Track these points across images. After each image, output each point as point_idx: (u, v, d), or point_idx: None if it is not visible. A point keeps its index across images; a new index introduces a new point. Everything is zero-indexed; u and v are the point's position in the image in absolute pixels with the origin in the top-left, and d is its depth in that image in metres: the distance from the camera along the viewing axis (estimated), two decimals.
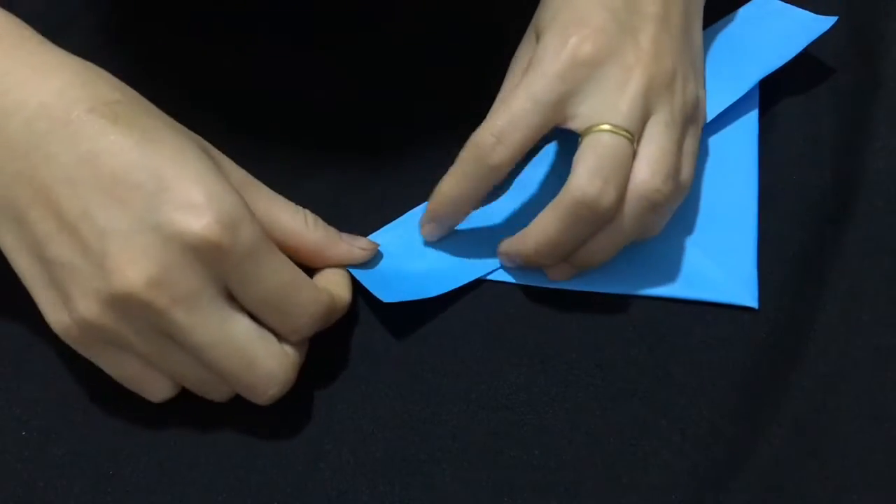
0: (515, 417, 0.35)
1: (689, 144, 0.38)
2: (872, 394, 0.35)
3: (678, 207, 0.38)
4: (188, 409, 0.35)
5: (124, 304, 0.31)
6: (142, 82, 0.35)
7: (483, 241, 0.39)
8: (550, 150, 0.42)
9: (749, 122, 0.43)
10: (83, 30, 0.46)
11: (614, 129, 0.35)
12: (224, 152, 0.35)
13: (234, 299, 0.32)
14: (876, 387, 0.35)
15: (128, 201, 0.31)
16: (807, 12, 0.44)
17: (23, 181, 0.31)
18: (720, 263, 0.38)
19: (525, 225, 0.37)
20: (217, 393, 0.34)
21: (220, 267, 0.31)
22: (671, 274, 0.38)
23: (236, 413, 0.35)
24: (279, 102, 0.44)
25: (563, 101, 0.35)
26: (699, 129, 0.39)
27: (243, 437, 0.35)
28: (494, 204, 0.41)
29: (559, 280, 0.38)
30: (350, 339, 0.37)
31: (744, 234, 0.39)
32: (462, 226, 0.39)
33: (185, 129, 0.34)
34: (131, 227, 0.31)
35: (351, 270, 0.37)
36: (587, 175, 0.34)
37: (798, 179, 0.42)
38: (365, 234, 0.39)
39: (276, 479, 0.34)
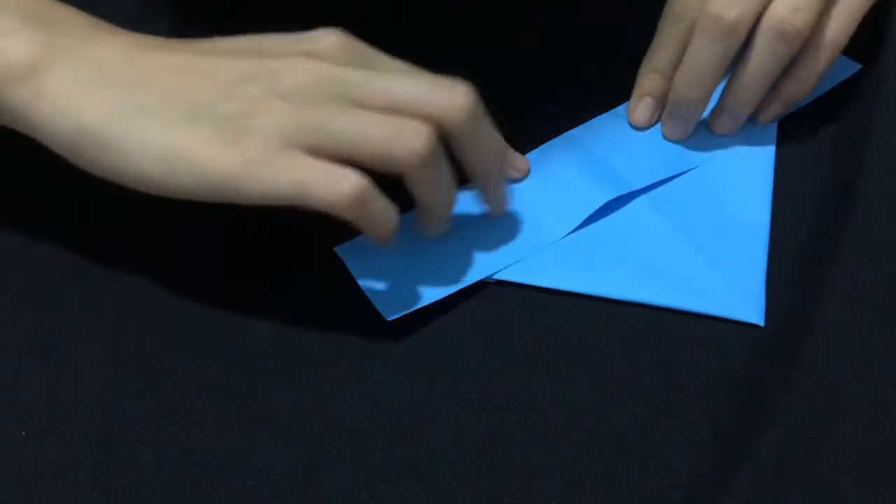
0: (515, 417, 0.35)
1: (847, 3, 0.39)
2: (872, 394, 0.35)
3: (696, 213, 0.39)
4: (188, 408, 0.35)
5: (300, 89, 0.33)
6: None
7: (481, 244, 0.39)
8: (552, 159, 0.42)
9: (767, 138, 0.42)
10: None
11: None
12: None
13: None
14: (876, 387, 0.35)
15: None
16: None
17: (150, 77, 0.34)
18: (730, 278, 0.38)
19: (522, 227, 0.37)
20: (411, 137, 0.33)
21: (346, 58, 0.34)
22: (680, 285, 0.38)
23: (236, 413, 0.35)
24: None
25: None
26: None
27: (243, 438, 0.35)
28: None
29: (769, 120, 0.42)
30: (350, 339, 0.37)
31: (755, 250, 0.39)
32: (458, 229, 0.39)
33: None
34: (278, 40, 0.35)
35: (359, 282, 0.38)
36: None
37: (798, 179, 0.42)
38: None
39: (276, 479, 0.34)
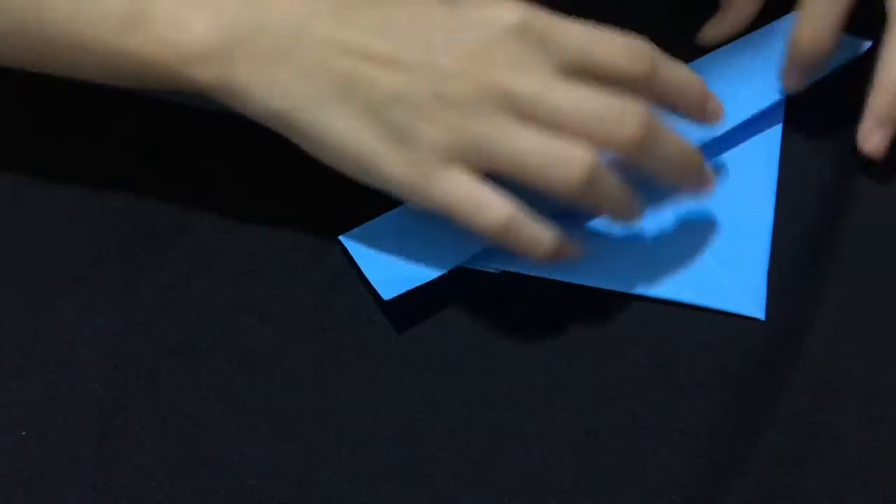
0: (515, 417, 0.35)
1: None
2: (872, 394, 0.35)
3: (700, 206, 0.39)
4: (188, 408, 0.35)
5: (463, 96, 0.33)
6: None
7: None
8: None
9: (773, 134, 0.42)
10: None
11: None
12: None
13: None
14: (875, 387, 0.35)
15: (431, 20, 0.34)
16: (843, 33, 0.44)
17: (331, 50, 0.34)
18: (731, 272, 0.38)
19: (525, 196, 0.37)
20: (566, 167, 0.33)
21: (534, 43, 0.33)
22: (681, 277, 0.38)
23: (236, 413, 0.35)
24: None
25: None
26: None
27: (243, 438, 0.35)
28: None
29: None
30: (350, 339, 0.37)
31: (758, 244, 0.39)
32: None
33: None
34: (447, 34, 0.33)
35: (356, 259, 0.38)
36: None
37: (798, 178, 0.42)
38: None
39: (276, 479, 0.34)
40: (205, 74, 0.34)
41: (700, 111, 0.37)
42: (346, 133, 0.34)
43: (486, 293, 0.39)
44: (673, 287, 0.38)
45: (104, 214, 0.40)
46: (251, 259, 0.39)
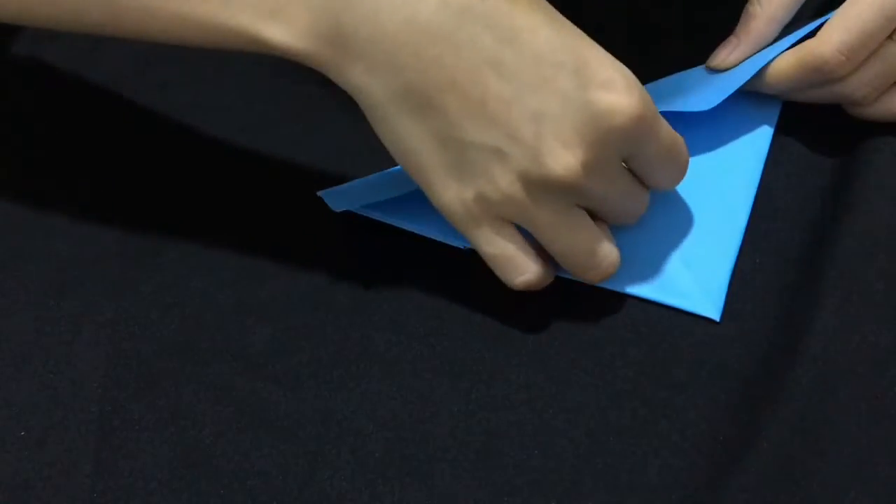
0: (515, 417, 0.35)
1: None
2: (872, 393, 0.35)
3: (675, 206, 0.39)
4: (187, 409, 0.35)
5: (551, 186, 0.33)
6: None
7: None
8: None
9: (761, 142, 0.43)
10: None
11: None
12: None
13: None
14: (875, 386, 0.35)
15: (554, 81, 0.32)
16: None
17: (440, 66, 0.32)
18: (694, 272, 0.39)
19: None
20: (596, 263, 0.36)
21: (634, 140, 0.33)
22: (644, 273, 0.38)
23: (236, 413, 0.35)
24: None
25: None
26: None
27: (243, 438, 0.35)
28: None
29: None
30: (350, 340, 0.37)
31: (725, 248, 0.39)
32: None
33: None
34: (563, 109, 0.32)
35: (326, 200, 0.39)
36: None
37: (798, 177, 0.42)
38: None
39: (276, 479, 0.34)
40: (317, 62, 0.33)
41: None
42: (419, 142, 0.33)
43: (486, 293, 0.39)
44: (634, 282, 0.38)
45: (104, 214, 0.40)
46: (252, 259, 0.39)
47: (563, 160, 0.32)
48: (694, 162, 0.42)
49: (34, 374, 0.36)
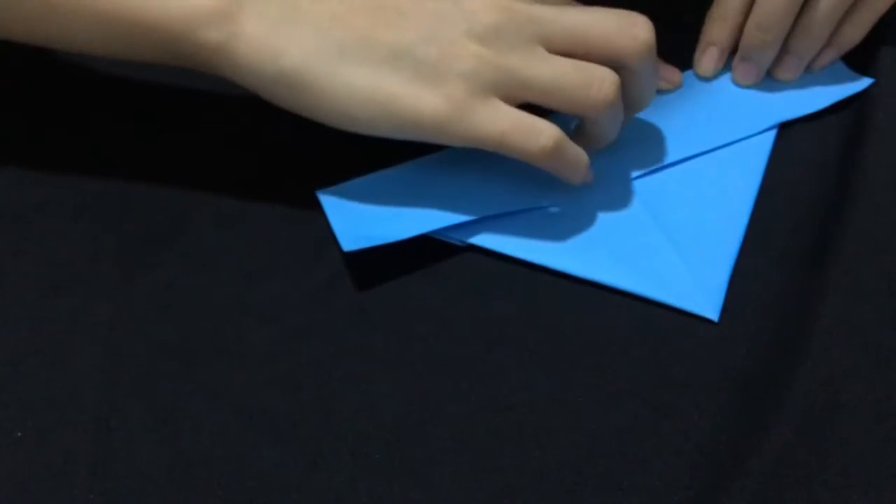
0: (515, 417, 0.35)
1: None
2: (873, 394, 0.35)
3: (676, 205, 0.40)
4: (186, 409, 0.35)
5: (498, 28, 0.34)
6: None
7: (456, 196, 0.40)
8: None
9: (763, 143, 0.43)
10: None
11: None
12: None
13: None
14: (876, 386, 0.35)
15: None
16: (844, 66, 0.45)
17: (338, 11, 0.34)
18: (693, 271, 0.39)
19: (500, 184, 0.39)
20: (588, 79, 0.35)
21: None
22: (642, 272, 0.39)
23: (235, 414, 0.35)
24: None
25: None
26: None
27: (242, 438, 0.35)
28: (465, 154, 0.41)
29: (824, 65, 0.43)
30: (350, 340, 0.37)
31: (725, 248, 0.39)
32: (441, 174, 0.40)
33: None
34: None
35: (327, 211, 0.38)
36: None
37: (800, 177, 0.42)
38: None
39: (276, 479, 0.34)
40: (212, 36, 0.33)
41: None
42: (371, 81, 0.33)
43: (486, 293, 0.39)
44: (633, 279, 0.38)
45: (102, 214, 0.40)
46: (251, 259, 0.39)
47: (485, 2, 0.34)
48: (695, 162, 0.42)
49: (31, 374, 0.36)
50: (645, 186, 0.41)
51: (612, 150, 0.42)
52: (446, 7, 0.34)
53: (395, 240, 0.38)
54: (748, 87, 0.44)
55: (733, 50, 0.44)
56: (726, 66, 0.44)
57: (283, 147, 0.43)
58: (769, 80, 0.44)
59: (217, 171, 0.42)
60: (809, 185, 0.41)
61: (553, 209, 0.40)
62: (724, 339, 0.37)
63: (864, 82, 0.44)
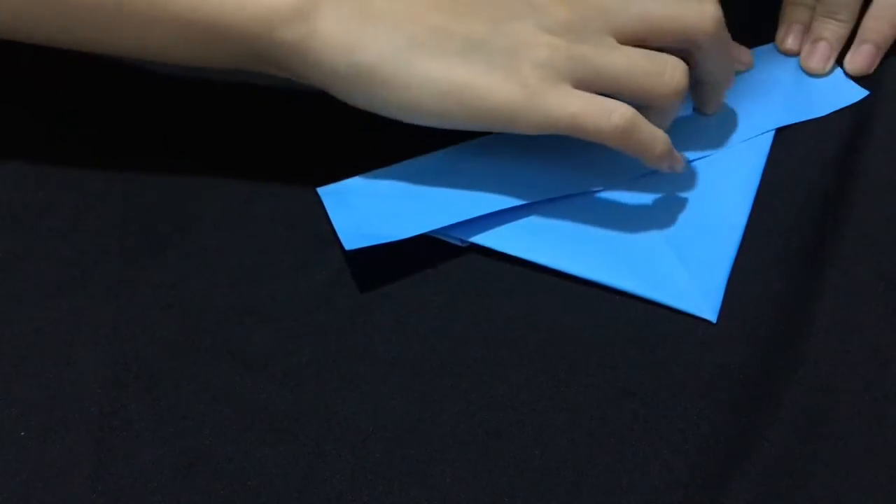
0: (515, 417, 0.35)
1: None
2: (872, 394, 0.35)
3: (675, 206, 0.40)
4: (187, 409, 0.35)
5: (571, 22, 0.35)
6: None
7: (457, 193, 0.40)
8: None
9: (761, 144, 0.43)
10: None
11: None
12: None
13: None
14: (875, 387, 0.35)
15: None
16: (842, 72, 0.45)
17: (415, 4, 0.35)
18: (692, 272, 0.39)
19: (502, 169, 0.40)
20: (659, 68, 0.36)
21: None
22: (641, 272, 0.39)
23: (236, 414, 0.35)
24: None
25: None
26: None
27: (243, 438, 0.35)
28: (467, 148, 0.41)
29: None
30: (350, 340, 0.37)
31: (724, 249, 0.39)
32: (442, 172, 0.40)
33: None
34: None
35: (328, 209, 0.38)
36: None
37: (799, 177, 0.42)
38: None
39: (276, 479, 0.34)
40: (289, 35, 0.34)
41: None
42: (444, 73, 0.34)
43: (486, 293, 0.39)
44: (631, 279, 0.38)
45: (104, 214, 0.40)
46: (251, 259, 0.39)
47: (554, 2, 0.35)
48: (693, 163, 0.42)
49: (34, 374, 0.36)
50: (644, 188, 0.41)
51: (611, 152, 0.42)
52: (517, 1, 0.35)
53: (399, 238, 0.38)
54: (821, 70, 0.44)
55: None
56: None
57: (284, 147, 0.43)
58: (768, 88, 0.44)
59: (219, 171, 0.42)
60: (807, 186, 0.41)
61: (553, 210, 0.40)
62: (723, 339, 0.37)
63: (861, 92, 0.44)
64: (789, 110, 0.44)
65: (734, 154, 0.42)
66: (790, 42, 0.45)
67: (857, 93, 0.44)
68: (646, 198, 0.41)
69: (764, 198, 0.41)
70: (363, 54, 0.34)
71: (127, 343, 0.37)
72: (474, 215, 0.39)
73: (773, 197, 0.41)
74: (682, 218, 0.40)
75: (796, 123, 0.43)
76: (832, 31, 0.42)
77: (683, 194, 0.41)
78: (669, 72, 0.36)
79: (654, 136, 0.36)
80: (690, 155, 0.42)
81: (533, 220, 0.40)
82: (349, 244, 0.37)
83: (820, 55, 0.43)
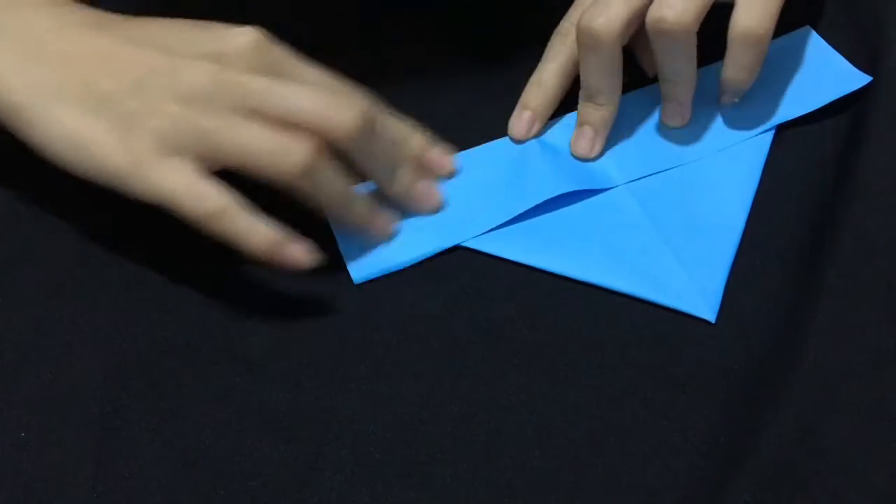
0: (515, 418, 0.35)
1: None
2: (872, 394, 0.35)
3: (673, 207, 0.40)
4: (187, 409, 0.35)
5: (199, 90, 0.34)
6: None
7: (452, 213, 0.40)
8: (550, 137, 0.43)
9: (761, 144, 0.43)
10: None
11: None
12: None
13: None
14: (875, 387, 0.35)
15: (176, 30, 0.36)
16: (844, 61, 0.44)
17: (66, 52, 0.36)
18: (691, 273, 0.39)
19: (488, 195, 0.40)
20: (288, 154, 0.35)
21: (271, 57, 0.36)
22: (641, 273, 0.39)
23: (236, 413, 0.35)
24: None
25: None
26: None
27: (243, 438, 0.35)
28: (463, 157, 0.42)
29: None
30: (350, 340, 0.37)
31: (722, 250, 0.39)
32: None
33: None
34: (189, 40, 0.36)
35: (337, 237, 0.39)
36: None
37: (798, 178, 0.42)
38: None
39: (276, 479, 0.34)
40: None
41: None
42: (77, 123, 0.35)
43: (486, 293, 0.39)
44: (630, 281, 0.38)
45: (104, 214, 0.40)
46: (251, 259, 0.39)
47: (193, 63, 0.35)
48: (692, 163, 0.42)
49: (34, 374, 0.36)
50: (642, 189, 0.41)
51: (611, 152, 0.42)
52: (163, 63, 0.35)
53: (403, 266, 0.39)
54: (591, 156, 0.42)
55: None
56: (718, 61, 0.44)
57: None
58: (769, 81, 0.44)
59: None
60: (806, 186, 0.41)
61: (550, 213, 0.41)
62: (722, 339, 0.37)
63: (864, 78, 0.44)
64: (793, 103, 0.43)
65: (733, 154, 0.42)
66: (518, 128, 0.43)
67: (860, 79, 0.44)
68: (644, 199, 0.41)
69: (763, 198, 0.41)
70: (16, 94, 0.35)
71: (127, 343, 0.37)
72: (476, 234, 0.40)
73: (772, 197, 0.41)
74: (681, 219, 0.40)
75: (796, 123, 0.43)
76: (594, 115, 0.41)
77: (682, 195, 0.41)
78: (292, 152, 0.35)
79: (249, 230, 0.35)
80: (691, 155, 0.42)
81: (531, 224, 0.40)
82: (357, 276, 0.39)
83: (586, 140, 0.42)
